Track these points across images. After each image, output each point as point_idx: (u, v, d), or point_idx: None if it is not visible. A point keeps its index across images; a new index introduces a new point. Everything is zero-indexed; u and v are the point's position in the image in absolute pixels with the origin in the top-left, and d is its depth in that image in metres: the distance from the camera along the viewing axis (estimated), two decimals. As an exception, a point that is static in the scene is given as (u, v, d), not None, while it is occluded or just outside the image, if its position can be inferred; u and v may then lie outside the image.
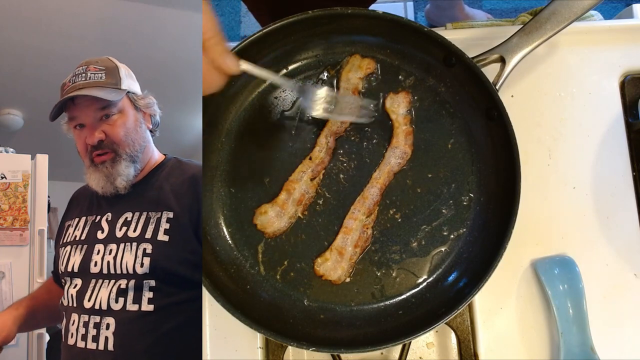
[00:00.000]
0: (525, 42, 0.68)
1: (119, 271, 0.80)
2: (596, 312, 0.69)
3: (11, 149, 2.04)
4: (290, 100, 0.73)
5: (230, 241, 0.71)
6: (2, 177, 1.88)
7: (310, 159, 0.72)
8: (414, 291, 0.69)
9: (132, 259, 0.79)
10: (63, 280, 0.89)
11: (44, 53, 2.12)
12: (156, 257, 0.79)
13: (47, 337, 1.87)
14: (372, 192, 0.70)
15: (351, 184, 0.71)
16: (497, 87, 0.67)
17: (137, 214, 0.84)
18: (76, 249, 0.87)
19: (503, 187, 0.67)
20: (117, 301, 0.79)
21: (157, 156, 0.94)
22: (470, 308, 0.71)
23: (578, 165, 0.75)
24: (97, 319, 0.79)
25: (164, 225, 0.81)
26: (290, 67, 0.74)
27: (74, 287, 0.84)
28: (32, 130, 2.66)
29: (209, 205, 0.72)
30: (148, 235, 0.81)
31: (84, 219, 0.90)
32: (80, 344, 0.79)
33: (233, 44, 0.68)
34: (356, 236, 0.69)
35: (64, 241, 0.91)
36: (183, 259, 0.79)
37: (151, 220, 0.82)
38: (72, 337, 0.81)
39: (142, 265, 0.78)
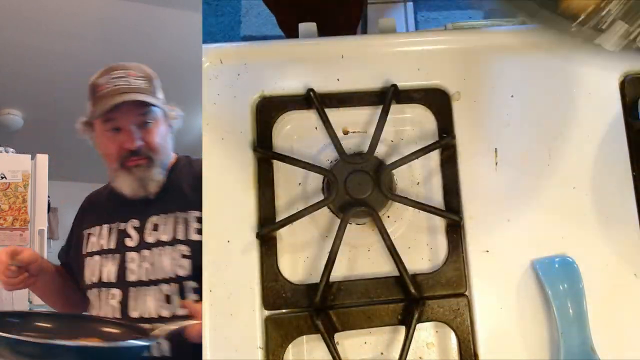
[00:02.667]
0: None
1: (159, 277, 0.80)
2: (596, 312, 0.69)
3: (11, 149, 2.04)
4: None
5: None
6: (2, 177, 1.88)
7: None
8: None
9: (170, 262, 0.79)
10: (94, 291, 0.87)
11: (44, 53, 2.12)
12: (195, 257, 0.79)
13: (47, 337, 1.87)
14: None
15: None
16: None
17: (163, 216, 0.84)
18: (107, 258, 0.86)
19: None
20: (165, 308, 0.79)
21: (172, 158, 0.96)
22: (470, 308, 0.71)
23: (578, 165, 0.75)
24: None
25: (194, 224, 0.81)
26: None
27: (113, 298, 0.83)
28: (32, 130, 2.66)
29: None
30: (181, 236, 0.81)
31: (106, 226, 0.90)
32: None
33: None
34: None
35: (89, 251, 0.90)
36: None
37: (179, 222, 0.82)
38: None
39: (181, 267, 0.79)
